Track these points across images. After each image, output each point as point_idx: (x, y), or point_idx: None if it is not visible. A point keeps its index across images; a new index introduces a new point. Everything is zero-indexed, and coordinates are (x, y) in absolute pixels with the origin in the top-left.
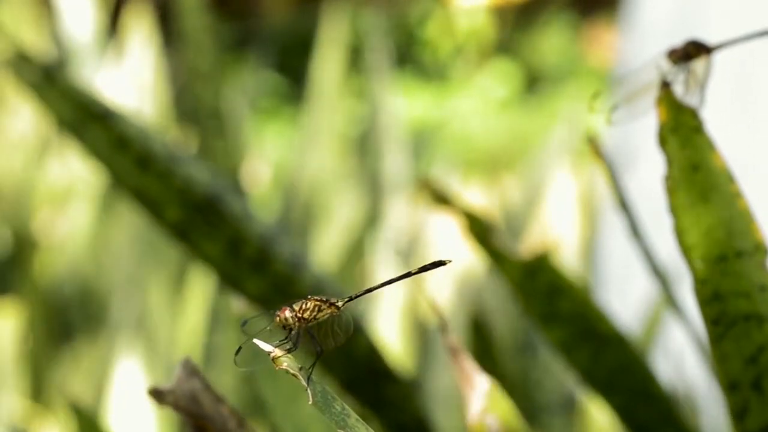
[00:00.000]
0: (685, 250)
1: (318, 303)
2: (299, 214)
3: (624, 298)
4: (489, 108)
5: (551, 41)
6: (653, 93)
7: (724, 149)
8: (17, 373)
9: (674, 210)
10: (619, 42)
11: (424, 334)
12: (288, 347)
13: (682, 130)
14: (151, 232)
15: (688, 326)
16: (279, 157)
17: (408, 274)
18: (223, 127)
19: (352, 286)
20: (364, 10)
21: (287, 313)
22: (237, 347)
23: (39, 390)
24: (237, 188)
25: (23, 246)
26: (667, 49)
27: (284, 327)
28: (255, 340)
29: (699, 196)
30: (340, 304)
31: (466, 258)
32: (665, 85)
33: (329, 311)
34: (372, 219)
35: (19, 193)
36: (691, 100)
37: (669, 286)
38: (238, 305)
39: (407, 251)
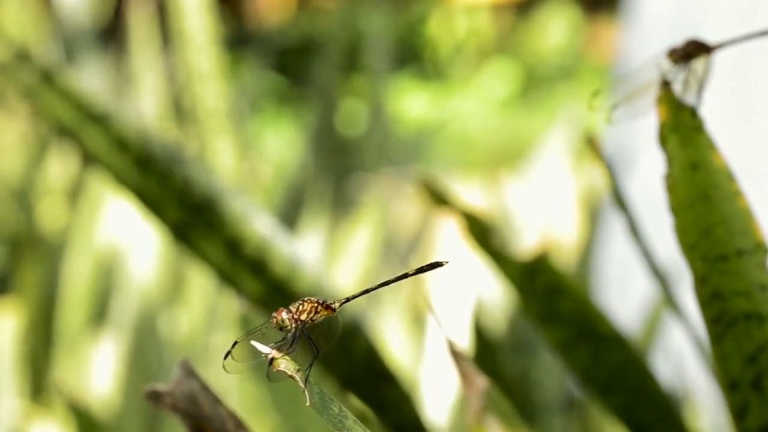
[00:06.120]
0: (685, 249)
1: (315, 304)
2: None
3: (624, 298)
4: (489, 107)
5: (551, 40)
6: (653, 92)
7: (725, 148)
8: (17, 373)
9: (674, 209)
10: (620, 41)
11: (425, 334)
12: (285, 349)
13: (682, 129)
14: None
15: (688, 326)
16: (279, 157)
17: (405, 275)
18: (223, 127)
19: (352, 286)
20: (364, 10)
21: (284, 315)
22: (231, 349)
23: (39, 390)
24: (236, 189)
25: (23, 246)
26: (668, 49)
27: (281, 329)
28: (253, 342)
29: (699, 195)
30: (336, 305)
31: (465, 258)
32: (665, 84)
33: (326, 312)
34: (372, 219)
35: (19, 193)
36: (691, 99)
37: (669, 286)
38: (238, 306)
39: (407, 251)
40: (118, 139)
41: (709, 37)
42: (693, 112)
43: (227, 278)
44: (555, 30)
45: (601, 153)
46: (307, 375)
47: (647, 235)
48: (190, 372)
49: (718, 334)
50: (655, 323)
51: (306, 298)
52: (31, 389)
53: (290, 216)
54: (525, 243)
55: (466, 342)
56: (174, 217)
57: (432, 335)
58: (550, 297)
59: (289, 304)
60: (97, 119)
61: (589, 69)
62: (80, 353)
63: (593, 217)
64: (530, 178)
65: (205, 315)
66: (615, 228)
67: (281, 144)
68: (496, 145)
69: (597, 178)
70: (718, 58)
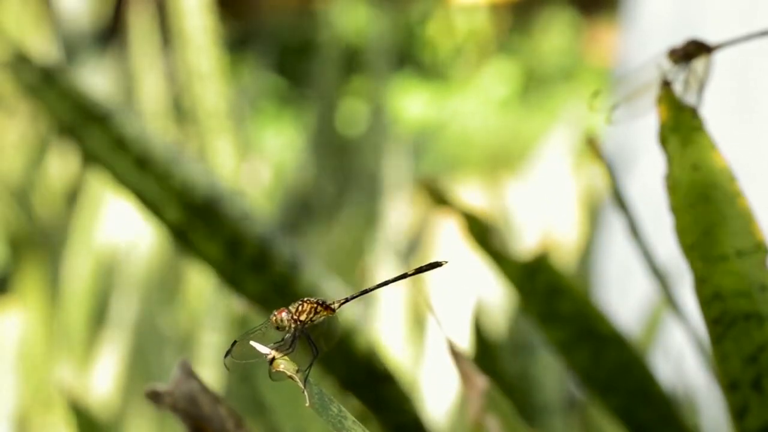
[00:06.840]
0: (686, 249)
1: (314, 305)
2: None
3: (624, 298)
4: (489, 108)
5: (551, 40)
6: (653, 92)
7: (725, 148)
8: (17, 372)
9: (674, 209)
10: (620, 41)
11: (425, 334)
12: (285, 349)
13: (682, 129)
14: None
15: (688, 326)
16: (279, 157)
17: (404, 276)
18: (223, 127)
19: (352, 286)
20: (364, 10)
21: (284, 315)
22: (230, 349)
23: (39, 390)
24: (236, 189)
25: (23, 246)
26: (668, 49)
27: (281, 329)
28: (252, 342)
29: (699, 195)
30: (336, 306)
31: (465, 258)
32: (666, 85)
33: (325, 313)
34: (372, 219)
35: (19, 193)
36: (691, 99)
37: (669, 286)
38: (238, 305)
39: (407, 251)
40: (118, 139)
41: (709, 37)
42: (693, 112)
43: (227, 278)
44: (555, 30)
45: (601, 153)
46: (306, 375)
47: (647, 235)
48: (190, 372)
49: (718, 335)
50: (655, 323)
51: (305, 299)
52: (31, 389)
53: (290, 216)
54: (525, 243)
55: (466, 342)
56: (174, 218)
57: (432, 335)
58: (550, 297)
59: (289, 304)
60: (97, 119)
61: (589, 69)
62: (80, 353)
63: (593, 217)
64: (530, 179)
65: (204, 315)
66: (615, 228)
67: (281, 144)
68: (496, 145)
69: (597, 178)
70: (718, 58)
